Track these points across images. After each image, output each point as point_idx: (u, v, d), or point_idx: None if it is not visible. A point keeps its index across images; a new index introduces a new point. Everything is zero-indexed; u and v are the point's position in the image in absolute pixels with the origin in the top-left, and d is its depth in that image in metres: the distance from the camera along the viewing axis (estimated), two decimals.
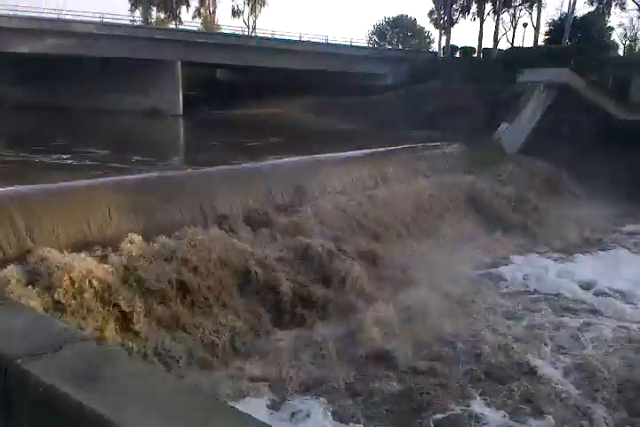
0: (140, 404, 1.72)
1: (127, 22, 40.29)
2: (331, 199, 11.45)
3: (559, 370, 7.63)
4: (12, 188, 8.05)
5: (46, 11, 30.67)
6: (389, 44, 62.44)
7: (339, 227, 10.75)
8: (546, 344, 8.47)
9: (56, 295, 6.38)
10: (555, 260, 13.16)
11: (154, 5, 54.34)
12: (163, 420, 1.66)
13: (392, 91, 31.97)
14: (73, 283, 6.57)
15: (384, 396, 6.85)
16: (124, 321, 6.91)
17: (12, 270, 6.41)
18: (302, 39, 37.94)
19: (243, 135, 22.70)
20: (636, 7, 41.17)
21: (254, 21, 53.07)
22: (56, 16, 29.69)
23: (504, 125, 21.51)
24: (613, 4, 42.77)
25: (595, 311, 9.92)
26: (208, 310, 7.82)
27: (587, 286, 11.03)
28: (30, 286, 6.35)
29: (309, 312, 8.59)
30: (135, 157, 13.92)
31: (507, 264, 12.46)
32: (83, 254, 7.14)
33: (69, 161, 13.23)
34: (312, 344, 7.86)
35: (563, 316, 9.69)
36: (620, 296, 10.60)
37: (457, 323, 8.80)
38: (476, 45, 41.48)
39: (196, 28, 46.68)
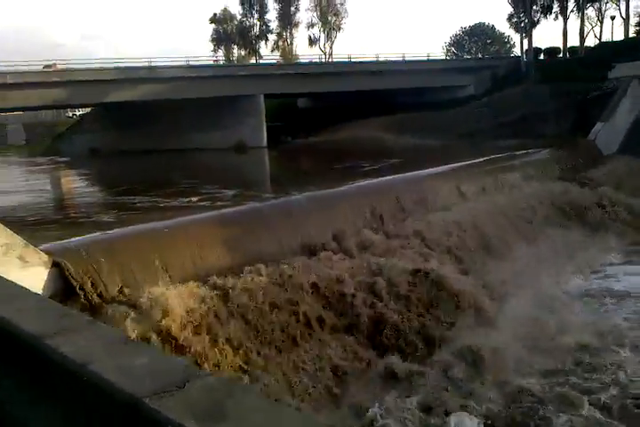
0: None
1: (211, 63, 42.48)
2: (434, 216, 11.39)
3: None
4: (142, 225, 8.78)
5: (137, 60, 32.99)
6: (468, 53, 61.39)
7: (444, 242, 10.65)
8: None
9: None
10: None
11: (235, 44, 57.08)
12: None
13: (474, 101, 31.28)
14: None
15: None
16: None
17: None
18: (379, 59, 38.20)
19: (326, 161, 23.02)
20: None
21: (331, 47, 54.19)
22: (147, 64, 31.85)
23: (598, 125, 20.37)
24: None
25: None
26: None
27: None
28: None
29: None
30: (265, 194, 13.83)
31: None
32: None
33: (210, 202, 12.82)
34: None
35: None
36: None
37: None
38: (560, 45, 39.79)
39: (274, 61, 48.38)
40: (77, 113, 54.24)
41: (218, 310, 7.28)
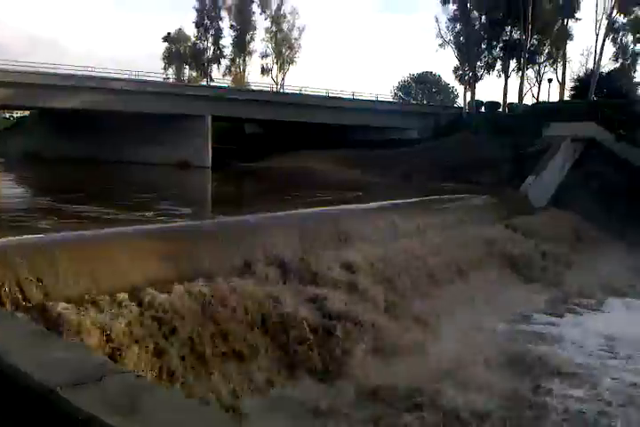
0: None
1: (161, 80, 42.11)
2: (358, 249, 11.35)
3: None
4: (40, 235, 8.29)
5: (83, 68, 32.25)
6: (414, 99, 63.85)
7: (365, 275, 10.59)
8: None
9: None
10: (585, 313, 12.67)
11: (186, 64, 56.96)
12: None
13: (418, 144, 32.39)
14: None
15: None
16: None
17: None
18: (329, 95, 39.05)
19: (272, 187, 23.04)
20: None
21: (282, 78, 54.97)
22: (92, 73, 31.19)
23: (530, 178, 21.42)
24: (639, 60, 43.25)
25: None
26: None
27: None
28: None
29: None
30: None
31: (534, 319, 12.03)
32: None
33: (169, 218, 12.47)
34: None
35: None
36: None
37: None
38: (501, 100, 42.08)
39: (226, 85, 48.54)
40: (15, 115, 52.21)
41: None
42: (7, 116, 54.48)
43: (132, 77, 32.05)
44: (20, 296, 6.50)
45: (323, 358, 8.29)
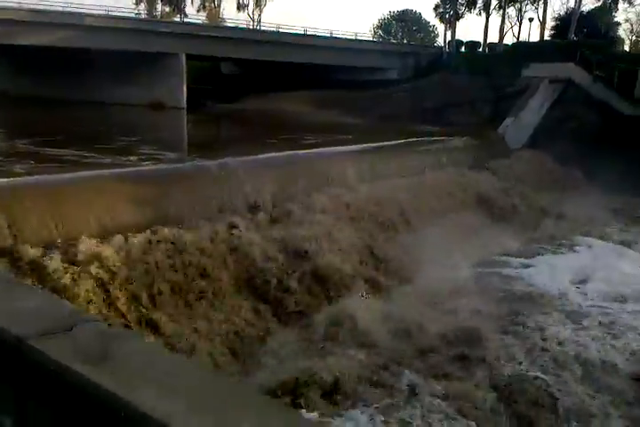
0: (152, 382, 1.76)
1: (132, 15, 40.30)
2: (333, 192, 11.46)
3: None
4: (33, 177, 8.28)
5: (52, 3, 30.66)
6: (394, 38, 62.29)
7: (340, 217, 10.76)
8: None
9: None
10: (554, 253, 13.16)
11: None
12: (173, 396, 1.69)
13: (397, 85, 31.91)
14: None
15: None
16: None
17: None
18: (307, 33, 37.84)
19: (252, 129, 22.70)
20: None
21: (259, 15, 53.07)
22: (61, 8, 29.69)
23: (508, 120, 21.46)
24: None
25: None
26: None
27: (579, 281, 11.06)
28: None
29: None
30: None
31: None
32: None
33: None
34: None
35: None
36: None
37: None
38: (481, 40, 41.36)
39: (200, 22, 46.66)
40: None
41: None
42: None
43: (102, 13, 30.58)
44: None
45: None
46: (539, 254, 12.97)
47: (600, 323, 9.05)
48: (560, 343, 8.26)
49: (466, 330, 8.19)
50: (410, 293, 9.60)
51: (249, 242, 8.73)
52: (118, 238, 7.53)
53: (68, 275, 6.57)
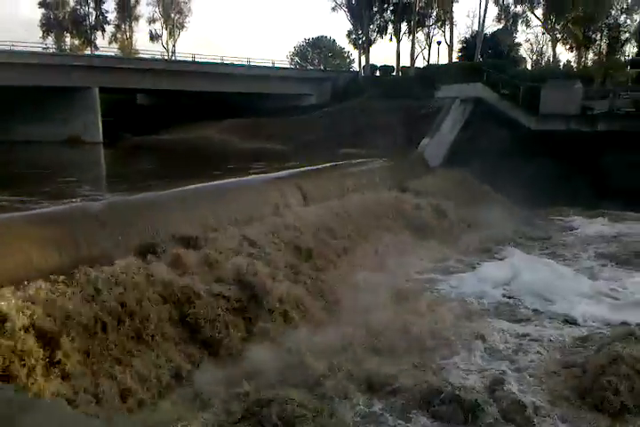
0: None
1: (40, 50, 39.03)
2: (262, 221, 11.31)
3: None
4: None
5: None
6: (311, 64, 63.62)
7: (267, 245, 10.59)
8: None
9: None
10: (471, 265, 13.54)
11: (67, 32, 53.08)
12: None
13: (316, 110, 32.41)
14: None
15: None
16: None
17: None
18: (224, 62, 37.96)
19: (172, 161, 22.24)
20: (540, 24, 43.84)
21: (173, 45, 52.80)
22: None
23: (425, 140, 22.19)
24: (519, 21, 45.43)
25: None
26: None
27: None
28: None
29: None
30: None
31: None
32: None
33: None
34: None
35: None
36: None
37: None
38: (394, 64, 42.91)
39: (112, 54, 45.87)
40: None
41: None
42: None
43: (5, 48, 29.41)
44: None
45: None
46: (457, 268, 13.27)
47: None
48: None
49: None
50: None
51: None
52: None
53: None
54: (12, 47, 30.17)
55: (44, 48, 45.58)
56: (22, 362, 5.85)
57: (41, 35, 52.97)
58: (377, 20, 45.54)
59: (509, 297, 11.13)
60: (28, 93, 28.81)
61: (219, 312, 8.34)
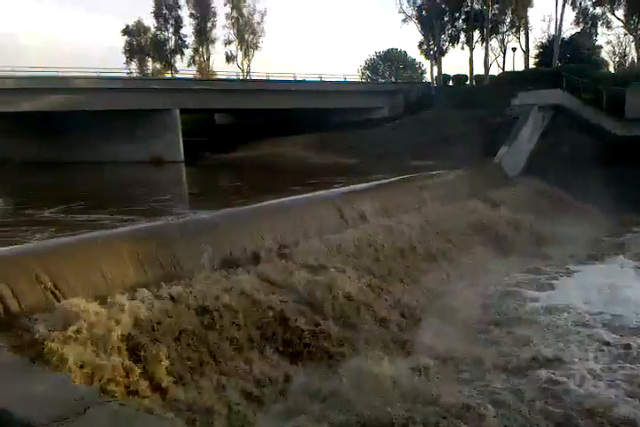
0: None
1: (124, 75, 41.31)
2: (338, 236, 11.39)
3: None
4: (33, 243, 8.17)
5: (46, 68, 31.46)
6: (382, 77, 63.68)
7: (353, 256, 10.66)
8: None
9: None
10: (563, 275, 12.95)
11: (149, 57, 55.93)
12: None
13: (389, 123, 32.38)
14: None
15: None
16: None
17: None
18: (296, 79, 38.72)
19: (253, 177, 22.74)
20: (621, 24, 41.87)
21: (248, 65, 54.33)
22: (55, 73, 30.47)
23: (503, 149, 21.62)
24: (599, 23, 43.58)
25: None
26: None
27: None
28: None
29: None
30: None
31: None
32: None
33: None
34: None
35: None
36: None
37: None
38: (467, 73, 42.19)
39: (191, 76, 47.84)
40: None
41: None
42: None
43: (93, 75, 31.33)
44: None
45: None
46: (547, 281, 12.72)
47: None
48: None
49: None
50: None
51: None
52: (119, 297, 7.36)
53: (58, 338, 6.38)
54: (99, 73, 32.08)
55: (127, 73, 48.25)
56: (117, 375, 6.12)
57: (124, 60, 56.17)
58: (448, 29, 45.03)
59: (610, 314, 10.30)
60: (114, 116, 30.49)
61: (301, 327, 8.42)
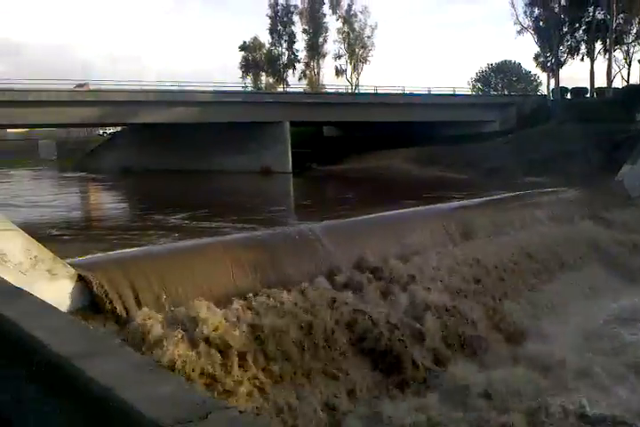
0: None
1: (239, 89, 43.27)
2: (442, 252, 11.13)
3: None
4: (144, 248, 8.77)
5: (166, 82, 33.82)
6: (494, 89, 61.85)
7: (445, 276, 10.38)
8: None
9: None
10: None
11: (263, 71, 58.26)
12: None
13: (500, 137, 31.33)
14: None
15: None
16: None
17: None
18: (405, 92, 38.57)
19: (358, 190, 22.96)
20: None
21: (357, 78, 54.96)
22: (177, 88, 32.57)
23: (626, 167, 20.11)
24: None
25: None
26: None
27: None
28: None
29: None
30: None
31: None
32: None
33: None
34: None
35: None
36: None
37: None
38: (587, 85, 39.93)
39: (302, 89, 49.18)
40: (108, 131, 55.39)
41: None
42: (101, 132, 57.94)
43: (211, 89, 33.10)
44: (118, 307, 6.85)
45: None
46: None
47: None
48: None
49: None
50: None
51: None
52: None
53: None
54: (219, 88, 33.86)
55: (243, 87, 50.54)
56: (224, 377, 6.36)
57: (240, 75, 58.90)
58: (567, 40, 42.99)
59: None
60: (229, 128, 31.99)
61: (397, 343, 8.30)
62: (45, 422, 2.77)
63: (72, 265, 6.81)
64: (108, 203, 22.60)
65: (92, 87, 31.23)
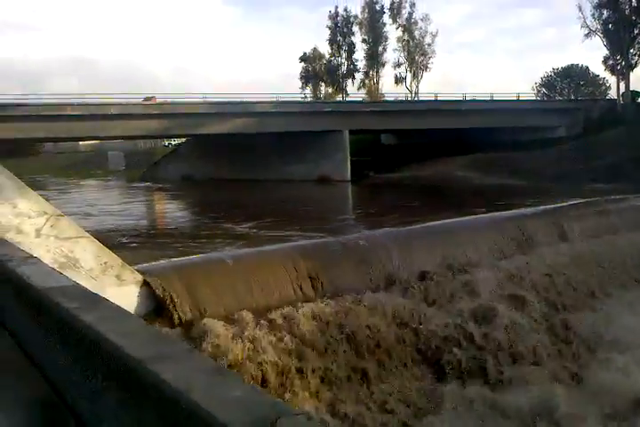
0: None
1: (298, 99, 43.75)
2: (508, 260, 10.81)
3: None
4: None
5: (229, 95, 34.60)
6: (560, 94, 59.90)
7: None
8: None
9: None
10: None
11: (322, 81, 58.77)
12: None
13: (565, 143, 30.28)
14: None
15: None
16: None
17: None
18: (466, 98, 37.94)
19: (418, 198, 22.80)
20: None
21: (417, 86, 54.51)
22: (238, 99, 33.28)
23: None
24: None
25: None
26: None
27: None
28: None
29: None
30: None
31: None
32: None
33: None
34: None
35: None
36: None
37: None
38: None
39: (360, 98, 49.20)
40: (173, 142, 57.23)
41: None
42: (166, 144, 59.96)
43: (271, 100, 33.62)
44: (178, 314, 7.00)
45: None
46: None
47: None
48: None
49: None
50: None
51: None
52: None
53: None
54: (277, 98, 34.38)
55: (302, 97, 51.11)
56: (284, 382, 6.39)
57: (300, 85, 59.64)
58: (638, 42, 41.24)
59: None
60: (287, 138, 32.38)
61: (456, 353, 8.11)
62: (117, 421, 2.86)
63: (138, 271, 7.05)
64: (173, 211, 23.30)
65: (158, 100, 32.35)
